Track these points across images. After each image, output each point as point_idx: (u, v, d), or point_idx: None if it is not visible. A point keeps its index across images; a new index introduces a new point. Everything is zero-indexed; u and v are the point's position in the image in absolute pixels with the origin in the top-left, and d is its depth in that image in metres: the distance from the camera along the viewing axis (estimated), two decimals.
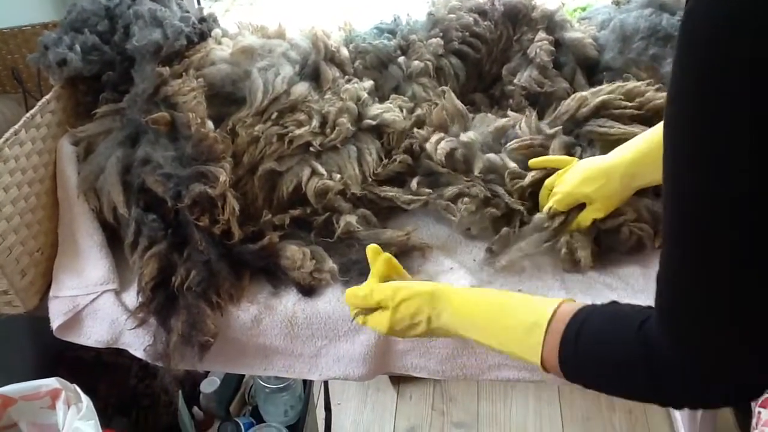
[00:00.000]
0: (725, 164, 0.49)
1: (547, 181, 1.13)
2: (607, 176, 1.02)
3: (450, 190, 1.17)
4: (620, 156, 1.02)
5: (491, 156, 1.17)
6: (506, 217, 1.16)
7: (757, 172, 0.48)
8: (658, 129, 0.99)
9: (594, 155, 1.17)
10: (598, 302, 0.72)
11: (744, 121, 0.48)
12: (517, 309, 0.76)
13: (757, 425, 0.80)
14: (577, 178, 1.06)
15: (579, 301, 0.73)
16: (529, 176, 1.16)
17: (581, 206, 1.08)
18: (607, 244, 1.12)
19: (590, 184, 1.03)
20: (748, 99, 0.47)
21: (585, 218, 1.07)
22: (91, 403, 0.95)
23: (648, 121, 1.20)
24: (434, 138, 1.20)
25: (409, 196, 1.21)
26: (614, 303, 0.70)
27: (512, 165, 1.16)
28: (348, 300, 0.93)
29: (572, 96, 1.25)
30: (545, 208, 1.10)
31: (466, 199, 1.15)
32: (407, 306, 0.85)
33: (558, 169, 1.13)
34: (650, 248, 1.12)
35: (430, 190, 1.20)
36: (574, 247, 1.09)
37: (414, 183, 1.21)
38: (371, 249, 0.95)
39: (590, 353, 0.66)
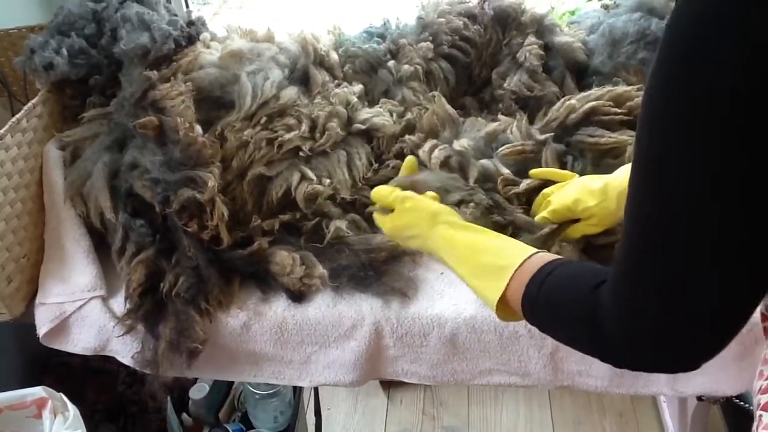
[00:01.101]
0: (700, 154, 0.51)
1: (545, 190, 1.12)
2: (605, 194, 1.02)
3: (452, 196, 1.16)
4: (620, 176, 1.02)
5: (485, 162, 1.17)
6: (509, 225, 1.16)
7: (728, 165, 0.50)
8: None
9: (585, 165, 1.17)
10: None
11: (717, 117, 0.49)
12: (496, 250, 0.80)
13: (757, 429, 0.80)
14: (575, 194, 1.05)
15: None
16: (525, 183, 1.16)
17: (574, 220, 1.08)
18: (597, 259, 1.11)
19: (588, 200, 1.03)
20: (727, 98, 0.48)
21: (576, 230, 1.07)
22: (77, 412, 0.94)
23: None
24: (427, 146, 1.20)
25: None
26: (583, 262, 0.73)
27: (506, 171, 1.16)
28: (373, 195, 0.99)
29: (561, 102, 1.25)
30: (538, 216, 1.10)
31: (471, 205, 1.14)
32: (409, 216, 0.91)
33: (557, 182, 1.13)
34: None
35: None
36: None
37: None
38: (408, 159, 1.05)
39: (548, 300, 0.69)
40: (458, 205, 1.16)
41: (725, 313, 0.57)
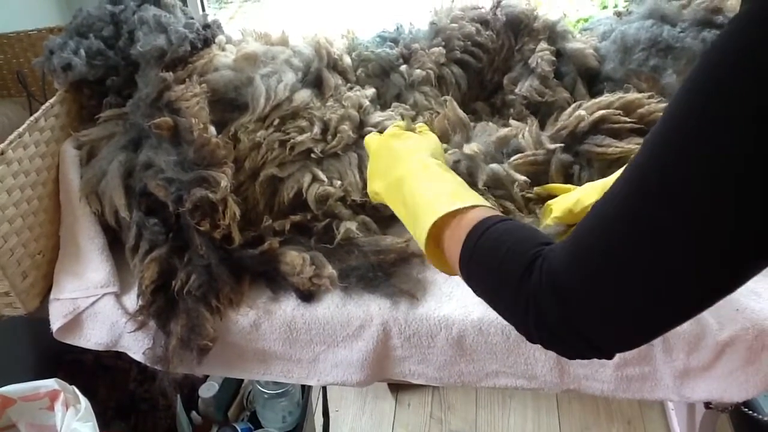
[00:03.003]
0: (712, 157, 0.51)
1: (549, 202, 1.13)
2: (604, 190, 1.02)
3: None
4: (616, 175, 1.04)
5: (495, 167, 1.18)
6: None
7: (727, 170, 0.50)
8: None
9: (591, 174, 1.18)
10: None
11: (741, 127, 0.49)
12: (453, 187, 0.85)
13: None
14: (576, 196, 1.07)
15: None
16: (535, 189, 1.17)
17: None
18: None
19: (587, 199, 1.04)
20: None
21: None
22: (89, 405, 0.96)
23: (647, 134, 1.21)
24: None
25: None
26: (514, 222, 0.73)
27: (521, 178, 1.16)
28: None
29: (570, 110, 1.25)
30: (542, 225, 1.11)
31: None
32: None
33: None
34: None
35: None
36: None
37: None
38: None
39: (489, 246, 0.69)
40: None
41: (674, 313, 0.58)
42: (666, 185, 0.54)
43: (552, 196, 1.15)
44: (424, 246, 0.77)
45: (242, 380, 1.74)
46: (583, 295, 0.59)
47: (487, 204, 0.79)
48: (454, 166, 1.19)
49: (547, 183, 1.19)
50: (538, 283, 0.62)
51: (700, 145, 0.51)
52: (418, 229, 0.81)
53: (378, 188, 1.00)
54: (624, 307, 0.58)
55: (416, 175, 0.91)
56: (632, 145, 1.18)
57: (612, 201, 0.59)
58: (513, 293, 0.65)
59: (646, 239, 0.55)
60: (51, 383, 0.99)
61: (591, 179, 1.17)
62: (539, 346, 1.06)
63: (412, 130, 1.10)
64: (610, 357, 0.63)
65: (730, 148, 0.49)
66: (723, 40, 0.51)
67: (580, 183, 1.18)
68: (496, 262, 0.68)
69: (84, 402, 0.96)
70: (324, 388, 1.76)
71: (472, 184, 1.19)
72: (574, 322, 0.60)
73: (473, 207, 0.76)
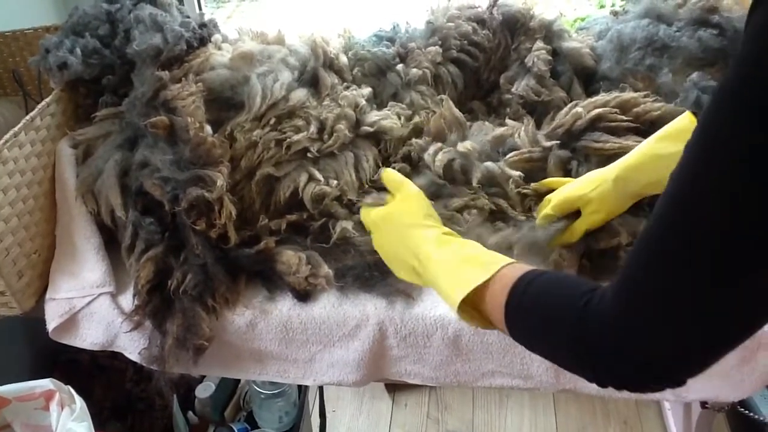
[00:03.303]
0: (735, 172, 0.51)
1: (547, 197, 1.13)
2: (601, 180, 1.03)
3: (455, 202, 1.17)
4: (615, 163, 1.05)
5: (489, 165, 1.18)
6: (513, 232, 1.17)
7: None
8: (651, 141, 1.02)
9: (590, 169, 1.18)
10: None
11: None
12: (477, 250, 0.84)
13: None
14: (574, 185, 1.08)
15: None
16: (532, 185, 1.17)
17: (576, 215, 1.09)
18: (600, 265, 1.12)
19: (585, 187, 1.05)
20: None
21: (579, 225, 1.07)
22: (84, 405, 0.96)
23: (643, 133, 1.21)
24: (432, 149, 1.21)
25: None
26: (556, 273, 0.74)
27: (515, 173, 1.16)
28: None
29: (567, 108, 1.25)
30: (540, 216, 1.11)
31: (474, 211, 1.15)
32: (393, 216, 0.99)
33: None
34: None
35: (432, 201, 1.20)
36: (561, 265, 1.09)
37: None
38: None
39: (533, 304, 0.68)
40: (460, 210, 1.17)
41: (726, 333, 0.57)
42: (701, 194, 0.54)
43: (550, 191, 1.15)
44: (457, 314, 0.77)
45: (239, 380, 1.74)
46: (645, 328, 0.58)
47: (516, 262, 0.78)
48: (449, 164, 1.19)
49: (543, 179, 1.19)
50: (596, 325, 0.61)
51: (732, 154, 0.51)
52: (449, 297, 0.80)
53: (397, 271, 0.99)
54: (690, 333, 0.56)
55: (435, 252, 0.89)
56: (630, 142, 1.17)
57: (654, 230, 0.58)
58: (570, 340, 0.64)
59: (694, 259, 0.54)
60: (46, 383, 0.98)
61: None
62: None
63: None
64: (682, 384, 0.61)
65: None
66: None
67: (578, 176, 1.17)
68: (546, 312, 0.67)
69: (79, 402, 0.95)
70: (321, 389, 1.76)
71: (466, 181, 1.19)
72: (642, 358, 0.59)
73: (509, 265, 0.75)
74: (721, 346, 0.58)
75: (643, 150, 1.02)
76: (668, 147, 0.98)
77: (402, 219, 0.97)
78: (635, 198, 1.05)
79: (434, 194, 1.20)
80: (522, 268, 0.74)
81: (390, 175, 1.05)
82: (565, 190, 1.08)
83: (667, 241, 0.56)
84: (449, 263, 0.84)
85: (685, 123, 0.99)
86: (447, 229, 0.94)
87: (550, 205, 1.09)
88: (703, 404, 1.41)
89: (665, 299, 0.56)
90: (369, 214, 1.03)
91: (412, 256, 0.91)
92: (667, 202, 0.57)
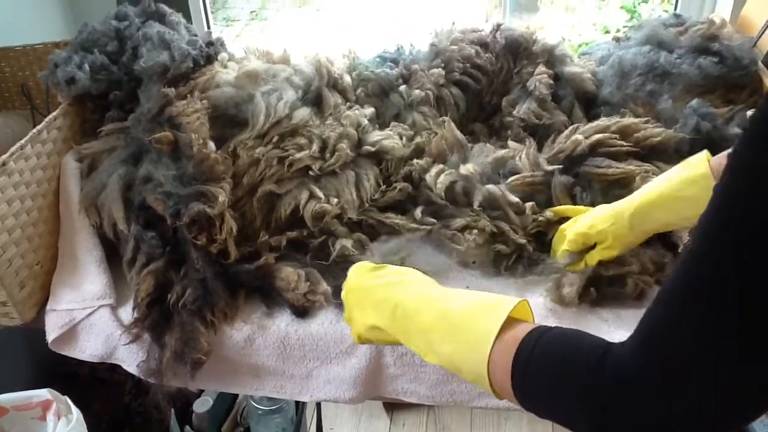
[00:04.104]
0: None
1: (561, 227, 1.14)
2: (617, 216, 1.04)
3: (457, 222, 1.18)
4: (630, 199, 1.05)
5: (491, 187, 1.19)
6: (513, 254, 1.18)
7: None
8: (671, 181, 1.01)
9: (594, 195, 1.19)
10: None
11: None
12: (466, 314, 0.74)
13: None
14: (589, 220, 1.08)
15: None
16: (547, 214, 1.18)
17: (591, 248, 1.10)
18: (610, 292, 1.12)
19: (601, 223, 1.05)
20: None
21: (592, 257, 1.08)
22: (81, 415, 0.96)
23: (643, 158, 1.22)
24: (434, 170, 1.22)
25: (414, 225, 1.22)
26: (565, 328, 0.67)
27: (514, 199, 1.18)
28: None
29: (567, 134, 1.27)
30: (559, 252, 1.12)
31: (475, 232, 1.16)
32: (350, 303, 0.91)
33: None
34: (649, 294, 1.12)
35: (435, 220, 1.21)
36: (561, 282, 1.10)
37: (418, 212, 1.23)
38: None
39: (544, 363, 0.63)
40: (462, 230, 1.18)
41: (750, 401, 0.54)
42: (722, 250, 0.52)
43: (563, 219, 1.16)
44: (486, 370, 0.67)
45: (237, 396, 1.74)
46: (666, 386, 0.54)
47: (518, 303, 0.72)
48: (451, 186, 1.20)
49: (545, 203, 1.20)
50: (613, 375, 0.57)
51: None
52: (466, 356, 0.71)
53: (374, 322, 0.85)
54: (718, 397, 0.53)
55: (426, 298, 0.80)
56: (632, 167, 1.19)
57: (679, 286, 0.55)
58: (584, 390, 0.59)
59: (720, 328, 0.51)
60: (43, 393, 0.99)
61: (594, 200, 1.18)
62: None
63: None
64: None
65: None
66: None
67: (583, 204, 1.19)
68: (559, 362, 0.62)
69: (76, 412, 0.96)
70: (319, 406, 1.76)
71: (468, 203, 1.20)
72: (660, 415, 0.55)
73: (515, 323, 0.69)
74: (739, 414, 0.54)
75: (661, 189, 1.01)
76: (688, 189, 0.98)
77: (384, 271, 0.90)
78: (649, 234, 1.06)
79: (435, 214, 1.21)
80: (528, 325, 0.68)
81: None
82: (581, 226, 1.08)
83: (692, 301, 0.53)
84: (447, 313, 0.75)
85: (703, 168, 0.97)
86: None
87: (567, 240, 1.09)
88: None
89: (689, 360, 0.53)
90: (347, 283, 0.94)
91: (390, 299, 0.83)
92: (694, 259, 0.54)
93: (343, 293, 0.93)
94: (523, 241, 1.16)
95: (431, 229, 1.21)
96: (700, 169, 0.98)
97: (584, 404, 0.59)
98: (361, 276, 0.91)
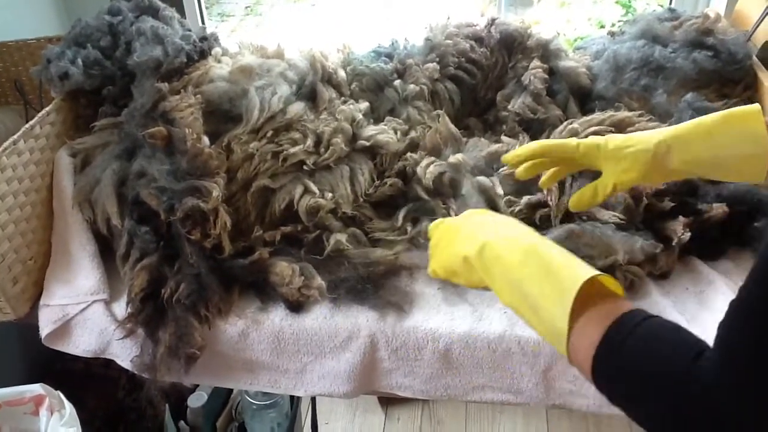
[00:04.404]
0: None
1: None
2: (641, 139, 0.89)
3: (425, 225, 1.19)
4: (656, 130, 0.90)
5: (481, 179, 1.19)
6: None
7: None
8: (707, 118, 0.87)
9: (583, 185, 1.18)
10: None
11: None
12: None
13: None
14: (603, 138, 0.92)
15: None
16: (525, 200, 1.17)
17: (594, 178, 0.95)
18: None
19: (618, 141, 0.90)
20: None
21: (605, 184, 0.91)
22: (74, 410, 0.96)
23: None
24: (425, 162, 1.22)
25: (394, 236, 1.22)
26: (664, 319, 0.63)
27: (501, 191, 1.18)
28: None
29: (563, 126, 1.27)
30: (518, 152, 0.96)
31: None
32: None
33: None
34: (638, 286, 1.12)
35: (412, 226, 1.22)
36: None
37: (400, 216, 1.23)
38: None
39: (633, 364, 0.60)
40: None
41: None
42: None
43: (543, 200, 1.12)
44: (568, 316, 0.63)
45: (231, 391, 1.74)
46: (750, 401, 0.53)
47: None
48: (439, 177, 1.20)
49: (533, 195, 1.19)
50: (700, 395, 0.55)
51: None
52: (549, 301, 0.67)
53: (463, 252, 0.78)
54: None
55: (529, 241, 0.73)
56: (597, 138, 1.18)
57: (756, 300, 0.54)
58: (668, 405, 0.57)
59: None
60: (36, 388, 0.99)
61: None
62: (525, 360, 1.07)
63: None
64: None
65: None
66: None
67: (571, 192, 1.17)
68: (649, 365, 0.59)
69: (69, 407, 0.96)
70: (313, 400, 1.76)
71: (454, 195, 1.20)
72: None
73: (607, 293, 0.66)
74: None
75: (695, 123, 0.87)
76: (725, 129, 0.84)
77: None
78: (670, 174, 0.90)
79: (420, 210, 1.23)
80: (628, 304, 0.65)
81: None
82: (587, 193, 0.94)
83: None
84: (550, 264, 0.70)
85: (751, 111, 0.83)
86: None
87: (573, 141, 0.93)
88: None
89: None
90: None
91: (473, 247, 0.76)
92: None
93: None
94: None
95: (410, 236, 1.21)
96: (746, 111, 0.84)
97: (668, 408, 0.57)
98: (456, 218, 0.86)
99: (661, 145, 0.87)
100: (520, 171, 0.97)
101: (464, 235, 0.80)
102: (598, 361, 0.61)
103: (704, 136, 0.85)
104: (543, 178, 1.00)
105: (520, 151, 0.95)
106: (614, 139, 0.90)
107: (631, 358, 0.60)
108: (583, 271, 0.66)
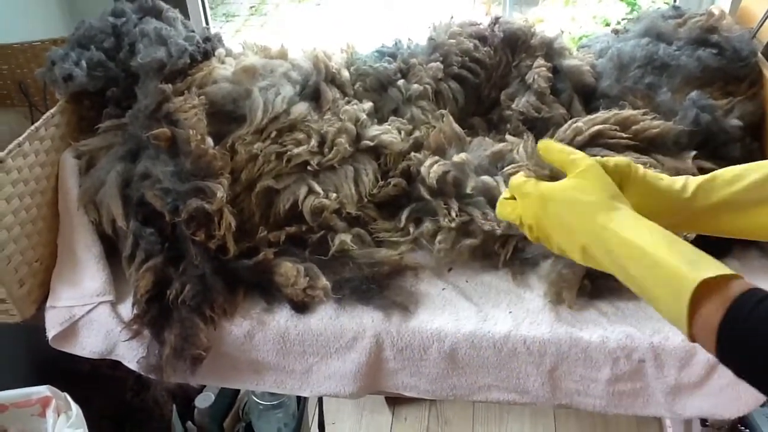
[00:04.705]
0: None
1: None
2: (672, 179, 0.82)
3: (426, 227, 1.19)
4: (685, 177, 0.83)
5: (485, 178, 1.19)
6: (483, 245, 1.18)
7: None
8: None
9: None
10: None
11: None
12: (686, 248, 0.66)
13: None
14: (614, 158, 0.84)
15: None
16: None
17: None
18: (605, 284, 1.12)
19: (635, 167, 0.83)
20: None
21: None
22: (80, 412, 0.96)
23: (642, 151, 1.22)
24: (429, 162, 1.22)
25: (397, 237, 1.23)
26: None
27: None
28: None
29: (568, 124, 1.26)
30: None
31: (439, 237, 1.16)
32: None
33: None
34: None
35: (415, 227, 1.22)
36: (560, 287, 1.10)
37: (403, 217, 1.23)
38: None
39: (759, 343, 0.58)
40: (434, 234, 1.18)
41: None
42: None
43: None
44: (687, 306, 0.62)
45: (238, 391, 1.74)
46: None
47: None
48: (443, 177, 1.20)
49: None
50: None
51: None
52: (668, 289, 0.65)
53: (563, 248, 0.77)
54: None
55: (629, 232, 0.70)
56: (629, 159, 1.18)
57: None
58: None
59: None
60: (43, 390, 0.99)
61: None
62: (531, 359, 1.07)
63: None
64: None
65: None
66: None
67: None
68: None
69: (75, 409, 0.96)
70: (320, 400, 1.76)
71: (457, 194, 1.20)
72: None
73: (731, 277, 0.63)
74: None
75: (735, 168, 0.80)
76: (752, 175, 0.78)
77: (579, 195, 0.76)
78: (688, 224, 0.84)
79: (422, 211, 1.23)
80: (747, 282, 0.63)
81: (552, 146, 0.84)
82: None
83: None
84: (654, 249, 0.66)
85: None
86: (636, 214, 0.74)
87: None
88: (704, 422, 1.41)
89: None
90: (531, 187, 0.81)
91: (589, 233, 0.73)
92: None
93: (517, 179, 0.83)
94: (489, 227, 1.15)
95: (413, 237, 1.22)
96: None
97: None
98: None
99: (689, 187, 0.80)
100: None
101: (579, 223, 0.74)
102: (723, 348, 0.60)
103: (747, 174, 0.79)
104: None
105: (552, 158, 0.85)
106: (646, 170, 0.83)
107: (757, 330, 0.58)
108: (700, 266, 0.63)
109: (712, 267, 0.63)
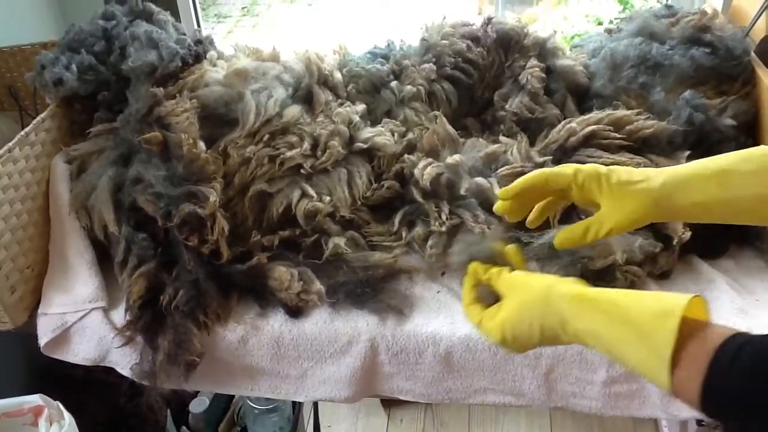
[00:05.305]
0: None
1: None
2: (645, 175, 0.79)
3: (417, 231, 1.18)
4: (663, 169, 0.80)
5: (479, 180, 1.18)
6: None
7: None
8: (721, 158, 0.79)
9: None
10: None
11: None
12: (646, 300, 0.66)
13: None
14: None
15: None
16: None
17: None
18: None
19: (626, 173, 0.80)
20: None
21: (599, 222, 0.80)
22: (73, 421, 0.96)
23: (636, 151, 1.21)
24: (422, 164, 1.22)
25: (390, 241, 1.22)
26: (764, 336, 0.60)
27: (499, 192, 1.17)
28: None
29: (561, 125, 1.26)
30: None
31: (430, 242, 1.16)
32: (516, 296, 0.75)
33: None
34: (638, 286, 1.12)
35: (408, 231, 1.22)
36: None
37: (396, 221, 1.23)
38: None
39: (746, 394, 0.57)
40: (425, 239, 1.18)
41: None
42: None
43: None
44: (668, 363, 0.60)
45: (233, 396, 1.74)
46: None
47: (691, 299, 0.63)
48: (436, 178, 1.19)
49: None
50: None
51: None
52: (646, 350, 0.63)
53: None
54: None
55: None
56: (624, 158, 1.18)
57: None
58: None
59: None
60: (35, 399, 0.98)
61: None
62: (526, 362, 1.07)
63: None
64: None
65: None
66: None
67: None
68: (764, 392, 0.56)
69: (68, 418, 0.95)
70: (315, 404, 1.76)
71: (451, 196, 1.19)
72: None
73: (695, 324, 0.62)
74: None
75: (706, 161, 0.78)
76: (741, 167, 0.76)
77: (525, 298, 0.75)
78: (674, 217, 0.86)
79: (416, 213, 1.22)
80: (727, 329, 0.61)
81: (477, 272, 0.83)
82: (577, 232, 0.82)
83: None
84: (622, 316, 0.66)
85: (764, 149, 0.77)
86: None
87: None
88: (699, 422, 1.41)
89: None
90: (487, 323, 0.79)
91: (555, 314, 0.71)
92: None
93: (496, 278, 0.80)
94: (479, 230, 1.13)
95: (407, 241, 1.21)
96: (759, 150, 0.78)
97: None
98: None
99: (668, 185, 0.77)
100: (508, 214, 0.86)
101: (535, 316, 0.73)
102: (708, 406, 0.59)
103: (718, 173, 0.76)
104: (531, 216, 0.88)
105: (511, 186, 0.83)
106: (617, 172, 0.79)
107: (741, 384, 0.57)
108: (668, 326, 0.61)
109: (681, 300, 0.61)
